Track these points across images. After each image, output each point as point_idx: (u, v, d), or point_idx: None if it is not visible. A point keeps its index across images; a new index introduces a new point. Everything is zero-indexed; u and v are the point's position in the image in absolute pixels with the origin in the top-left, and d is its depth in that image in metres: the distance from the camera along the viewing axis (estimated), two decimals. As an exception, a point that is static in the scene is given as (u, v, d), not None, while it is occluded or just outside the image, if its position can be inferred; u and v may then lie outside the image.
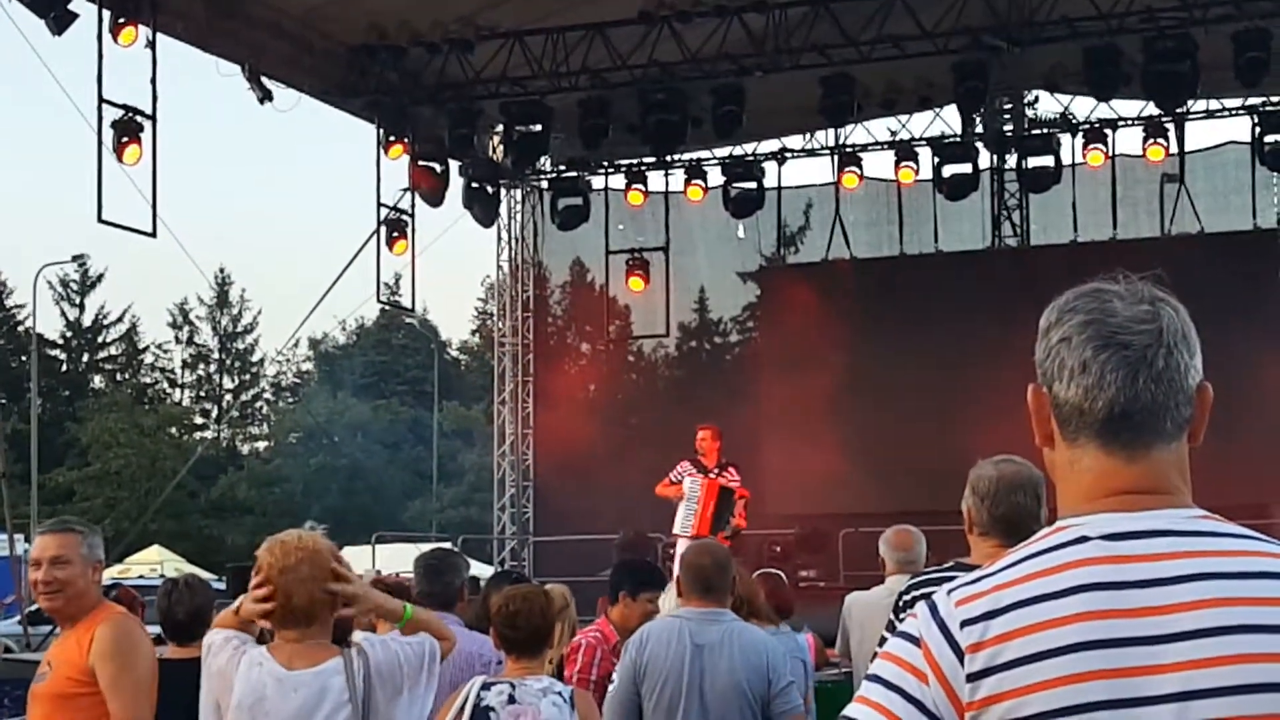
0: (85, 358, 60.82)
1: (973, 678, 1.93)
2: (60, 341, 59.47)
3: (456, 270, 61.39)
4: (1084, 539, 1.97)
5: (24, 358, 48.29)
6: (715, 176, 21.62)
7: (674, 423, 20.22)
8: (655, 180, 22.20)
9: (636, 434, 23.01)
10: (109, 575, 22.91)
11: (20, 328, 55.05)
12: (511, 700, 5.14)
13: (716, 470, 14.42)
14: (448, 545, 13.26)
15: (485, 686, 5.20)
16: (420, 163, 20.58)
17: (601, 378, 25.13)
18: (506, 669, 5.37)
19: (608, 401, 24.43)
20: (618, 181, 22.50)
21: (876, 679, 1.99)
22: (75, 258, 54.04)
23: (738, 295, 24.70)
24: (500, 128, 21.23)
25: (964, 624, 1.96)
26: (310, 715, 4.21)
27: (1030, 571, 1.97)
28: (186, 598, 6.22)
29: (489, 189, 22.29)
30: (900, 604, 4.81)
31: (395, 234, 20.85)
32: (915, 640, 1.99)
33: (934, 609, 2.00)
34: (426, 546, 23.80)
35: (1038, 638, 1.91)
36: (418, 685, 4.38)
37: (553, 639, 5.54)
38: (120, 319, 60.46)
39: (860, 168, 21.34)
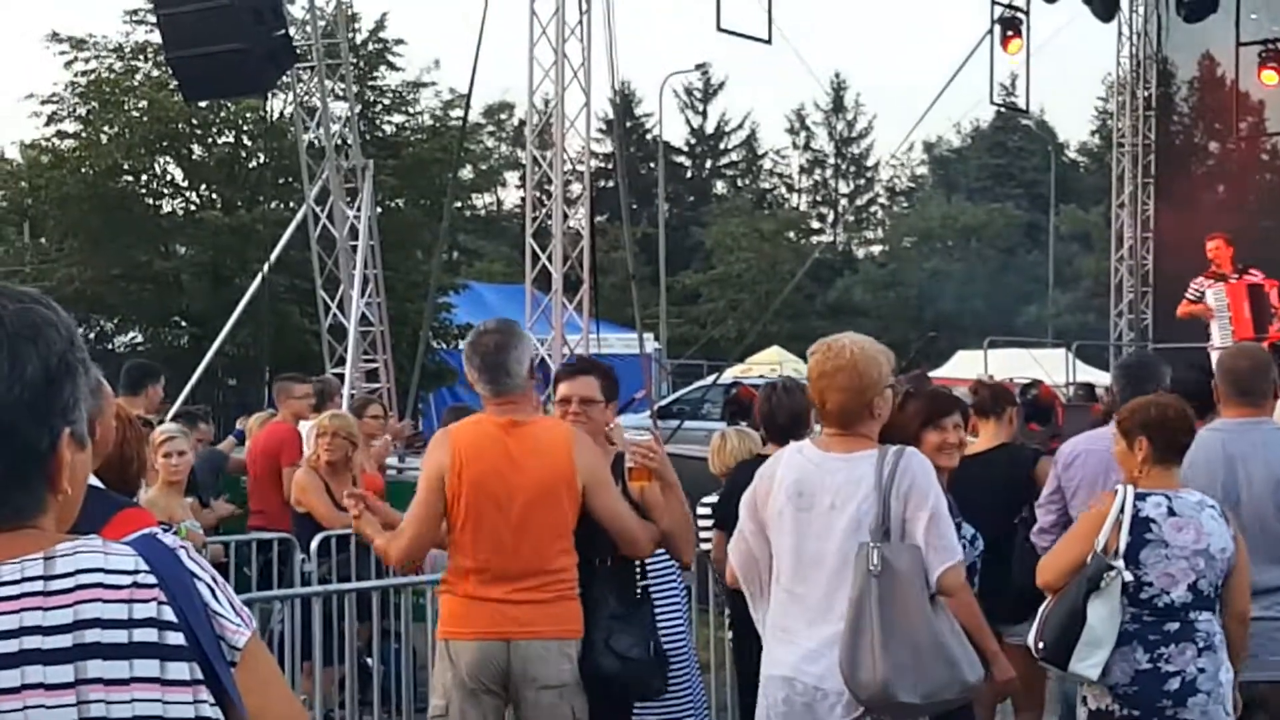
0: (708, 164, 63.28)
1: None
2: (685, 149, 62.09)
3: (1075, 69, 59.35)
4: None
5: (652, 165, 50.79)
6: (1363, -43, 19.85)
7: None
8: (1294, -36, 20.64)
9: (1273, 238, 21.74)
10: (732, 374, 24.05)
11: (648, 135, 57.79)
12: (1172, 513, 4.97)
13: (1237, 275, 13.85)
14: (1147, 348, 13.13)
15: (1140, 497, 5.01)
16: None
17: (1231, 178, 23.86)
18: (1151, 480, 5.05)
19: (1238, 203, 23.18)
20: (1249, -33, 21.06)
21: None
22: (698, 66, 56.13)
23: (1386, 86, 22.66)
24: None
25: None
26: (839, 491, 4.58)
27: None
28: (786, 401, 6.44)
29: (1110, -19, 21.38)
30: None
31: (1009, 32, 20.46)
32: None
33: None
34: (1040, 352, 23.72)
35: None
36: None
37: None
38: (740, 126, 62.45)
39: None
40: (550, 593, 5.07)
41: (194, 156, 28.54)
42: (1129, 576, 4.88)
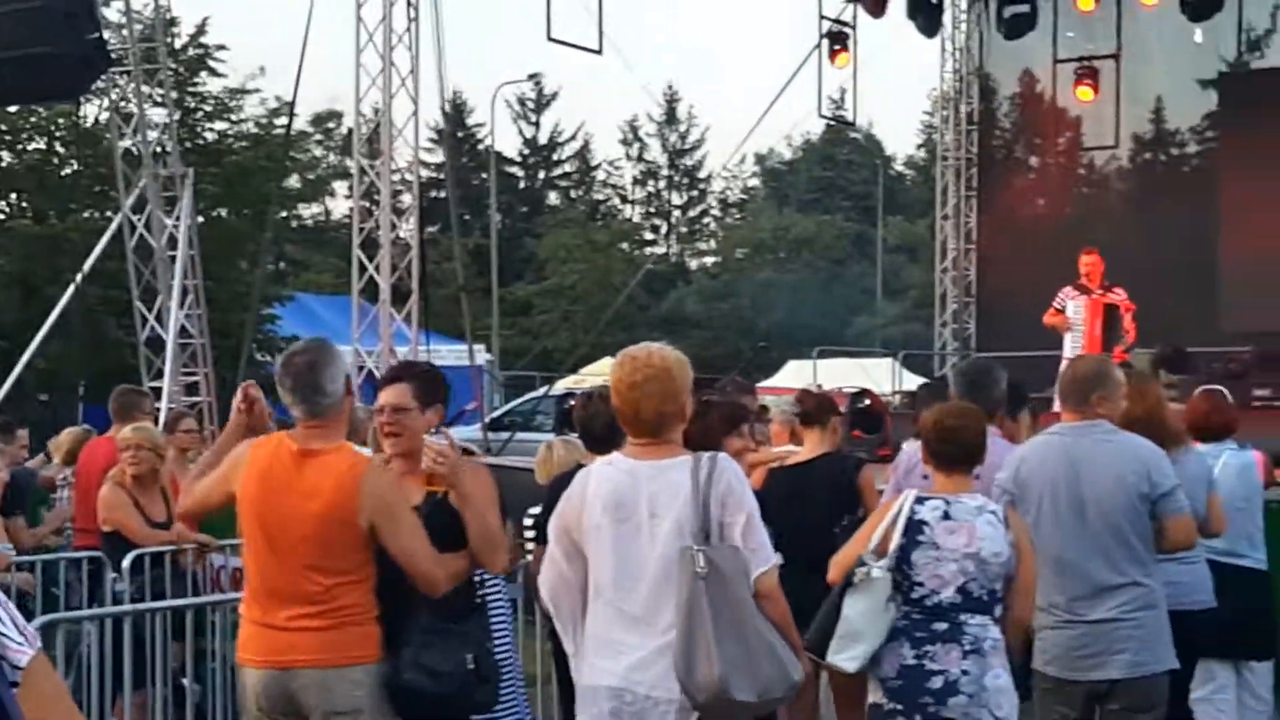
0: (541, 175, 63.24)
1: None
2: (518, 159, 61.95)
3: (901, 83, 60.49)
4: None
5: (484, 175, 50.59)
6: (1173, -23, 20.41)
7: (1126, 236, 19.53)
8: (1108, -17, 21.18)
9: (1085, 248, 22.28)
10: (564, 385, 23.99)
11: (480, 145, 57.57)
12: (946, 516, 5.13)
13: (1100, 291, 14.37)
14: (988, 355, 13.48)
15: (919, 501, 5.20)
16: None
17: (1050, 191, 24.40)
18: (936, 484, 5.31)
19: (1056, 216, 23.73)
20: (1067, -14, 21.58)
21: None
22: (531, 76, 56.11)
23: (1196, 104, 23.30)
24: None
25: None
26: (656, 499, 4.58)
27: None
28: (604, 409, 6.35)
29: (933, -2, 21.76)
30: None
31: (837, 46, 20.72)
32: None
33: None
34: (868, 361, 24.01)
35: None
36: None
37: (984, 455, 5.45)
38: (574, 137, 62.52)
39: (1338, -40, 19.72)
40: (331, 619, 4.89)
41: (3, 164, 27.73)
42: (879, 573, 5.05)
